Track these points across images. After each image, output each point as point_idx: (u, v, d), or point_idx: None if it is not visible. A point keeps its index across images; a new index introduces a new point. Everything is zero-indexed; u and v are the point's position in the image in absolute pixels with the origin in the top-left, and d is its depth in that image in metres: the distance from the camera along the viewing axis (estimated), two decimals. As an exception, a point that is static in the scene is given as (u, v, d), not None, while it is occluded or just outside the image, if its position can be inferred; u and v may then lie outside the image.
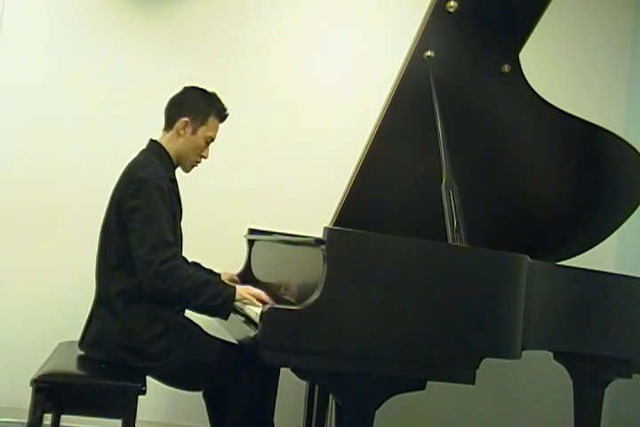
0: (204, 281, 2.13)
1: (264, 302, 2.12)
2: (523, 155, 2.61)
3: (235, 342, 2.27)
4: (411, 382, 1.86)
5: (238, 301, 2.14)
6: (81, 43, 3.31)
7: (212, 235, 3.16)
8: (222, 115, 2.41)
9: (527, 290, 1.99)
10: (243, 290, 2.16)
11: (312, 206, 3.25)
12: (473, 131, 2.49)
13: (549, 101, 2.50)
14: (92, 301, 2.28)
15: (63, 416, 2.36)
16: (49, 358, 2.30)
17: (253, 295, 2.15)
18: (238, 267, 2.89)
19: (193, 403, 2.61)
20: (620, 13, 3.65)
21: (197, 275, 2.14)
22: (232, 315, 2.28)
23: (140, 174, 2.20)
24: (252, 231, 2.96)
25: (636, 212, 2.66)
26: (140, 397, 2.10)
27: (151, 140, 2.39)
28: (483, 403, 3.36)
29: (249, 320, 2.13)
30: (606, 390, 2.42)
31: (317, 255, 1.84)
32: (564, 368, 2.43)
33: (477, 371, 1.87)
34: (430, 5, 2.31)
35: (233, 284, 2.35)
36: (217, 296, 2.11)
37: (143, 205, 2.15)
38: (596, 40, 3.63)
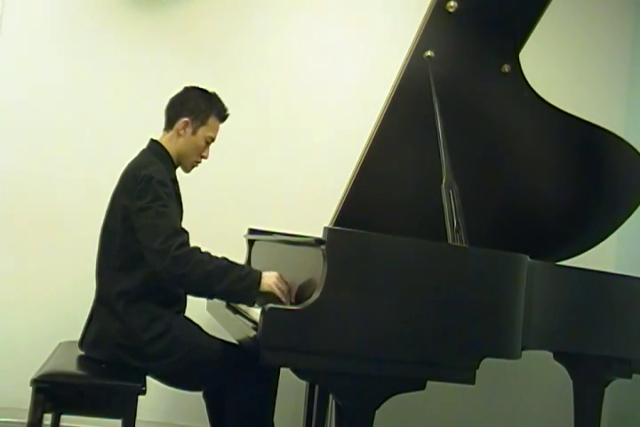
0: (228, 264, 2.09)
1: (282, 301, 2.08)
2: (523, 155, 2.61)
3: (235, 342, 2.27)
4: (411, 382, 1.86)
5: (264, 290, 2.06)
6: (81, 42, 3.32)
7: (211, 235, 3.15)
8: (223, 115, 2.41)
9: (527, 290, 1.99)
10: (270, 278, 2.07)
11: (312, 206, 3.26)
12: (473, 131, 2.49)
13: (549, 101, 2.50)
14: (92, 301, 2.29)
15: (63, 416, 2.36)
16: (49, 358, 2.30)
17: (281, 290, 2.06)
18: (238, 267, 2.89)
19: (193, 403, 2.61)
20: (620, 13, 3.65)
21: (219, 258, 2.10)
22: (233, 315, 2.28)
23: (145, 172, 2.20)
24: (251, 231, 2.96)
25: (636, 212, 2.67)
26: (140, 397, 2.10)
27: (151, 140, 2.39)
28: (483, 403, 3.36)
29: (249, 320, 2.13)
30: (606, 390, 2.43)
31: (317, 255, 1.84)
32: (564, 368, 2.43)
33: (477, 371, 1.87)
34: (430, 5, 2.31)
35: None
36: (243, 279, 2.05)
37: (152, 202, 2.14)
38: (596, 40, 3.63)
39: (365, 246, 1.83)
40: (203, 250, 2.11)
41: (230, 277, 2.05)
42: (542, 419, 3.41)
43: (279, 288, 2.07)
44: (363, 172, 2.54)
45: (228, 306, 2.47)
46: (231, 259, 2.13)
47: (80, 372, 2.17)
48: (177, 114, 2.36)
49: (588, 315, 2.24)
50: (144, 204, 2.14)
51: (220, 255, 2.12)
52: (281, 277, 2.10)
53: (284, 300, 2.08)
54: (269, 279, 2.07)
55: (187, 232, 2.16)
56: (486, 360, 1.88)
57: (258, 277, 2.07)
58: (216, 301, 2.60)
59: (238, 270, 2.08)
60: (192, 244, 2.32)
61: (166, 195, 2.18)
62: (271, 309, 1.77)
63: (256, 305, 2.09)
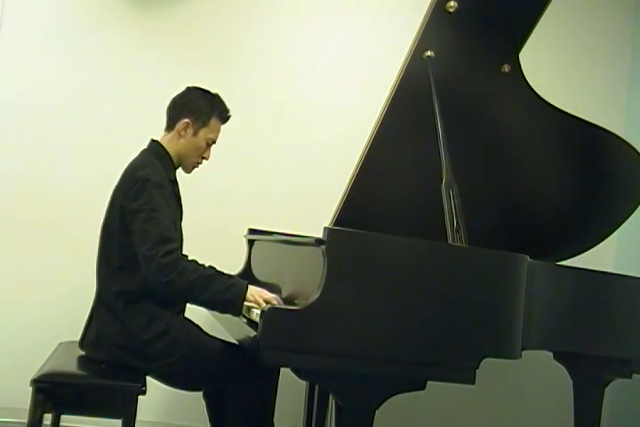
0: (213, 274, 2.08)
1: None
2: (523, 155, 2.61)
3: (235, 342, 2.27)
4: (411, 382, 1.86)
5: (248, 301, 2.06)
6: (81, 43, 3.32)
7: (211, 235, 3.16)
8: (224, 116, 2.40)
9: (527, 290, 1.99)
10: (256, 292, 2.08)
11: (312, 206, 3.26)
12: (473, 131, 2.50)
13: (549, 101, 2.50)
14: (92, 301, 2.29)
15: (63, 416, 2.36)
16: (49, 358, 2.30)
17: (266, 301, 2.04)
18: (238, 267, 2.89)
19: (193, 403, 2.61)
20: (620, 13, 3.65)
21: (205, 268, 2.10)
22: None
23: (141, 174, 2.20)
24: (251, 231, 2.96)
25: (636, 212, 2.67)
26: (140, 397, 2.10)
27: (152, 141, 2.39)
28: (483, 403, 3.36)
29: (250, 321, 2.13)
30: (606, 390, 2.43)
31: (317, 255, 1.84)
32: (564, 368, 2.43)
33: (477, 371, 1.87)
34: (430, 5, 2.31)
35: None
36: (227, 290, 2.05)
37: (145, 205, 2.14)
38: (596, 40, 3.63)
39: (365, 246, 1.84)
40: (196, 257, 2.11)
41: (215, 287, 2.05)
42: (542, 419, 3.41)
43: (265, 299, 2.05)
44: (363, 171, 2.54)
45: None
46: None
47: (80, 372, 2.17)
48: (178, 114, 2.35)
49: (587, 315, 2.24)
50: (137, 206, 2.15)
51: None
52: (268, 292, 2.10)
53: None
54: (255, 292, 2.07)
55: (176, 239, 2.16)
56: (486, 360, 1.88)
57: (244, 288, 2.07)
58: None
59: (224, 281, 2.07)
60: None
61: (162, 197, 2.18)
62: (271, 309, 1.78)
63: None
